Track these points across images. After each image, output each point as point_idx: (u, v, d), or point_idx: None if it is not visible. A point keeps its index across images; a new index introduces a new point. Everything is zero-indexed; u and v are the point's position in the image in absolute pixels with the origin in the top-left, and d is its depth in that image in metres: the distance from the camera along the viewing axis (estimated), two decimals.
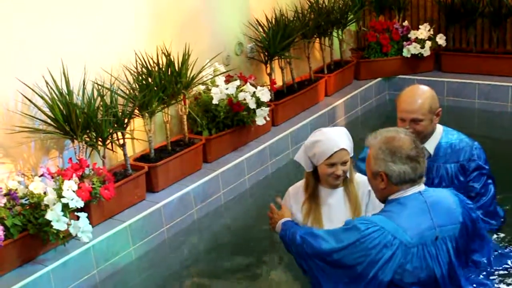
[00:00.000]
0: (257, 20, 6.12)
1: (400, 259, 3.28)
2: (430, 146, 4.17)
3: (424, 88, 4.19)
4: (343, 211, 3.96)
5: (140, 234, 4.49)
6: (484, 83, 6.75)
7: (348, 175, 3.96)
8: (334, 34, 6.90)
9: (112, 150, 4.65)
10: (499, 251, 3.84)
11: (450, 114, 6.68)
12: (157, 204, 4.63)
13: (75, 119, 4.25)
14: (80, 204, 3.98)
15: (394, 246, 3.28)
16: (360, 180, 4.02)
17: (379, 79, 7.24)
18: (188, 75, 4.96)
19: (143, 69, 4.83)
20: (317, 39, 6.68)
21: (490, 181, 4.17)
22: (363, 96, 6.97)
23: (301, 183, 4.18)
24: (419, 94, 4.10)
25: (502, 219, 4.24)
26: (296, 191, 4.18)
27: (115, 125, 4.50)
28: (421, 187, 3.41)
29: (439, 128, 4.22)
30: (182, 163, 4.96)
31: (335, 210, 3.98)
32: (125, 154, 4.65)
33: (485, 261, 3.65)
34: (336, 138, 3.85)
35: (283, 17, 6.15)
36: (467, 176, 4.14)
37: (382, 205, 3.66)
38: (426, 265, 3.32)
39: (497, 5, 6.85)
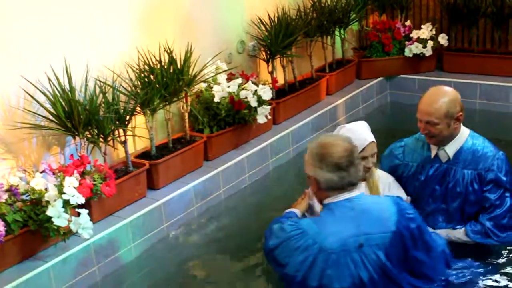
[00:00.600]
0: (260, 18, 6.11)
1: (322, 264, 3.34)
2: (450, 149, 4.07)
3: (447, 91, 4.03)
4: None
5: (140, 231, 4.50)
6: (486, 83, 6.75)
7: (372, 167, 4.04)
8: (336, 33, 6.90)
9: (113, 147, 4.65)
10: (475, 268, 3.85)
11: None
12: (158, 202, 4.64)
13: (77, 116, 4.26)
14: (81, 200, 3.99)
15: (314, 251, 3.34)
16: (382, 174, 4.14)
17: (381, 78, 7.23)
18: (190, 72, 4.96)
19: (145, 66, 4.84)
20: (319, 38, 6.67)
21: (508, 194, 4.04)
22: (365, 96, 6.97)
23: None
24: (439, 97, 3.96)
25: None
26: None
27: (117, 122, 4.51)
28: (352, 194, 3.41)
29: (465, 132, 4.11)
30: (183, 161, 4.97)
31: None
32: (126, 151, 4.66)
33: (440, 276, 3.65)
34: (364, 133, 3.96)
35: (286, 16, 6.15)
36: (482, 185, 4.03)
37: (402, 196, 3.98)
38: (349, 272, 3.34)
39: (499, 5, 6.84)
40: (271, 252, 3.52)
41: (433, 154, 4.15)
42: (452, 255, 3.77)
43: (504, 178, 4.00)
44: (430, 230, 3.85)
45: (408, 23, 7.29)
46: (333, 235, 3.34)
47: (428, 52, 7.04)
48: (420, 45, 7.03)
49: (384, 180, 4.14)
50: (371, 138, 3.96)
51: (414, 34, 7.13)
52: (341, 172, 3.34)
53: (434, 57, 7.20)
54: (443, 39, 7.15)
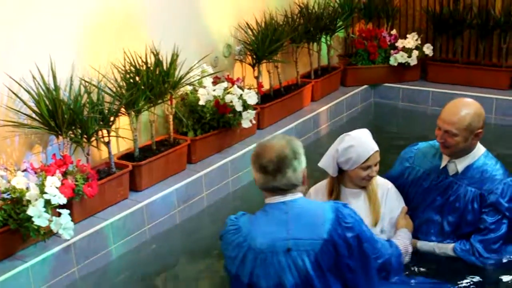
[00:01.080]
0: (247, 23, 6.11)
1: (251, 262, 3.35)
2: (461, 164, 4.00)
3: (472, 103, 3.93)
4: (362, 211, 3.97)
5: (121, 233, 4.48)
6: (469, 94, 6.72)
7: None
8: (323, 39, 6.90)
9: (97, 147, 4.63)
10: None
11: (433, 123, 6.69)
12: (140, 204, 4.62)
13: (61, 115, 4.23)
14: (63, 200, 3.96)
15: (244, 248, 3.35)
16: (381, 181, 4.13)
17: (365, 86, 7.25)
18: (176, 75, 4.94)
19: (131, 67, 4.81)
20: (306, 44, 6.68)
21: (505, 221, 3.93)
22: (349, 103, 6.98)
23: (322, 184, 4.21)
24: (463, 108, 3.86)
25: (504, 261, 4.00)
26: (318, 192, 4.20)
27: (101, 123, 4.48)
28: (287, 197, 3.36)
29: (480, 150, 4.03)
30: (167, 163, 4.95)
31: (355, 208, 3.90)
32: (109, 152, 4.63)
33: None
34: (368, 141, 3.93)
35: (273, 21, 6.16)
36: (482, 207, 3.96)
37: (400, 203, 4.09)
38: (274, 273, 3.32)
39: (485, 18, 6.88)
40: (220, 240, 3.55)
41: (442, 164, 4.09)
42: (401, 268, 3.76)
43: (506, 205, 3.91)
44: (403, 239, 3.92)
45: (394, 32, 7.31)
46: (263, 236, 3.34)
47: (413, 61, 7.07)
48: (406, 54, 7.05)
49: (383, 187, 4.11)
50: (376, 147, 3.93)
51: (400, 43, 7.15)
52: (267, 175, 3.30)
53: (418, 67, 7.23)
54: (428, 49, 7.18)
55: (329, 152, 4.03)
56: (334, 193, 4.09)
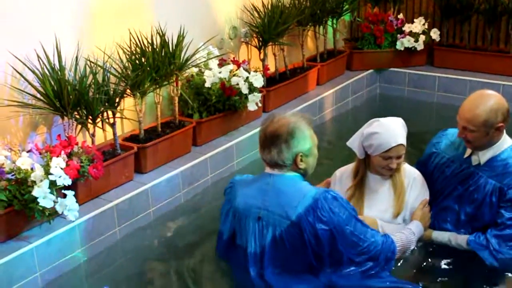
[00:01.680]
0: (253, 5, 6.06)
1: (231, 219, 3.68)
2: (484, 156, 3.92)
3: (490, 98, 3.79)
4: (386, 199, 4.00)
5: (126, 214, 4.45)
6: (476, 80, 6.72)
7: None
8: (329, 23, 6.85)
9: (102, 128, 4.58)
10: None
11: (439, 109, 6.71)
12: (145, 186, 4.59)
13: (66, 96, 4.19)
14: (68, 182, 3.93)
15: (229, 205, 3.70)
16: (408, 169, 4.08)
17: (371, 71, 7.20)
18: (182, 56, 4.90)
19: (137, 48, 4.76)
20: (312, 27, 6.62)
21: None
22: (354, 87, 6.94)
23: (348, 167, 4.19)
24: (480, 104, 3.76)
25: None
26: (343, 174, 4.19)
27: (106, 104, 4.44)
28: (275, 172, 3.57)
29: (507, 142, 3.93)
30: (172, 145, 4.91)
31: (378, 197, 4.03)
32: (114, 133, 4.59)
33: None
34: (395, 132, 3.85)
35: (280, 3, 6.10)
36: (500, 201, 3.87)
37: (425, 193, 4.05)
38: (244, 234, 3.60)
39: (493, 3, 6.82)
40: None
41: (466, 154, 4.03)
42: (390, 266, 3.70)
43: None
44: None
45: (400, 16, 7.25)
46: (242, 197, 3.64)
47: (419, 46, 7.02)
48: (412, 39, 7.00)
49: (410, 175, 4.06)
50: (400, 140, 3.84)
51: (406, 28, 7.10)
52: (260, 145, 3.61)
53: (425, 52, 7.18)
54: (435, 34, 7.12)
55: (357, 134, 4.00)
56: (358, 175, 4.07)
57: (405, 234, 3.83)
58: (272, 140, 3.53)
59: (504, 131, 3.93)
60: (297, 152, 3.53)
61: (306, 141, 3.56)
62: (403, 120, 3.98)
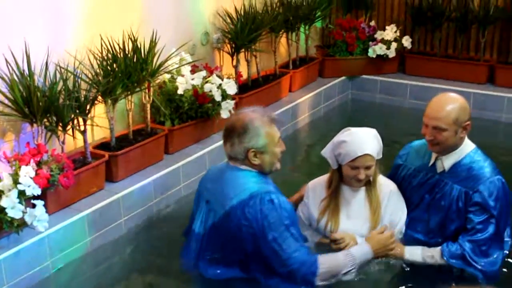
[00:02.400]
0: (225, 11, 5.97)
1: (196, 196, 4.03)
2: (448, 161, 3.93)
3: (456, 97, 3.87)
4: (362, 213, 3.98)
5: (97, 225, 4.34)
6: (447, 87, 6.70)
7: (371, 178, 3.95)
8: (301, 29, 6.79)
9: (72, 136, 4.46)
10: None
11: (411, 116, 6.68)
12: (116, 195, 4.49)
13: (36, 102, 4.07)
14: (37, 191, 3.82)
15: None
16: (383, 182, 4.05)
17: (343, 78, 7.16)
18: (154, 62, 4.80)
19: (108, 54, 4.65)
20: (284, 33, 6.56)
21: (493, 221, 3.79)
22: (327, 94, 6.90)
23: (321, 180, 4.16)
24: (448, 102, 3.82)
25: (495, 268, 3.84)
26: (316, 186, 4.16)
27: (77, 111, 4.32)
28: (230, 162, 3.80)
29: (468, 146, 3.95)
30: (144, 153, 4.81)
31: (353, 210, 4.00)
32: (85, 141, 4.48)
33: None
34: (362, 142, 3.83)
35: (252, 9, 6.03)
36: (467, 205, 3.86)
37: (402, 207, 4.04)
38: (196, 213, 3.92)
39: (463, 11, 6.84)
40: None
41: (431, 162, 4.04)
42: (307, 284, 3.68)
43: (492, 203, 3.79)
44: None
45: (372, 23, 7.22)
46: (205, 179, 4.00)
47: (391, 53, 7.00)
48: (384, 46, 6.97)
49: (385, 189, 4.04)
50: (367, 150, 3.81)
51: (378, 35, 7.08)
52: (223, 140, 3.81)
53: (397, 59, 7.17)
54: (406, 42, 7.11)
55: (330, 143, 3.99)
56: (332, 186, 4.04)
57: (339, 257, 3.77)
58: (227, 133, 3.75)
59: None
60: (248, 148, 3.67)
61: (260, 138, 3.66)
62: (376, 131, 3.97)
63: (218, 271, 3.79)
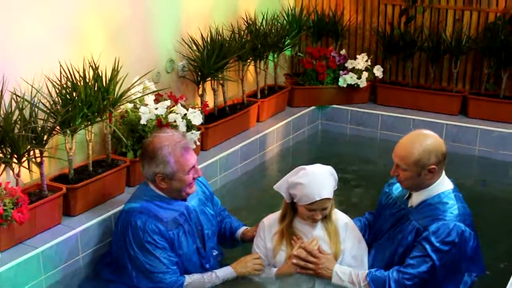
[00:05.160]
0: (191, 38, 5.80)
1: None
2: (416, 198, 3.87)
3: (428, 138, 3.78)
4: (322, 245, 3.90)
5: (53, 262, 4.13)
6: (419, 118, 6.61)
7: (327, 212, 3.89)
8: (270, 57, 6.63)
9: (28, 168, 4.24)
10: None
11: (382, 148, 6.55)
12: (74, 230, 4.27)
13: None
14: None
15: None
16: (339, 216, 3.99)
17: (313, 107, 7.00)
18: (116, 91, 4.60)
19: (68, 82, 4.45)
20: (252, 62, 6.40)
21: (429, 262, 3.67)
22: (296, 124, 6.73)
23: (276, 214, 4.07)
24: (415, 142, 3.75)
25: None
26: (271, 221, 4.07)
27: (33, 142, 4.11)
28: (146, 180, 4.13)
29: (444, 186, 3.85)
30: (104, 186, 4.61)
31: None
32: (42, 174, 4.26)
33: None
34: (319, 184, 3.74)
35: (219, 36, 5.86)
36: (414, 241, 3.78)
37: (360, 239, 4.02)
38: None
39: (436, 41, 6.73)
40: None
41: (406, 195, 3.99)
42: None
43: (436, 245, 3.65)
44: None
45: (343, 52, 7.09)
46: None
47: (362, 83, 6.85)
48: (355, 76, 6.83)
49: (341, 222, 3.98)
50: (325, 194, 3.73)
51: (349, 64, 6.93)
52: None
53: (368, 89, 7.03)
54: (378, 71, 6.97)
55: (284, 179, 3.90)
56: (286, 219, 3.95)
57: (204, 277, 4.05)
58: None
59: (444, 174, 3.87)
60: (156, 172, 3.95)
61: (168, 166, 3.90)
62: (331, 167, 3.89)
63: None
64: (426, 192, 3.84)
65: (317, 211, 3.79)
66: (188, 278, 3.99)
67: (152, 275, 3.89)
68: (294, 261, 3.87)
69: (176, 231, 4.00)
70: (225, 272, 4.08)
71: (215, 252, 4.29)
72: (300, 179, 3.75)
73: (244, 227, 4.48)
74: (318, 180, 3.75)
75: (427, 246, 3.67)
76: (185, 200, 4.11)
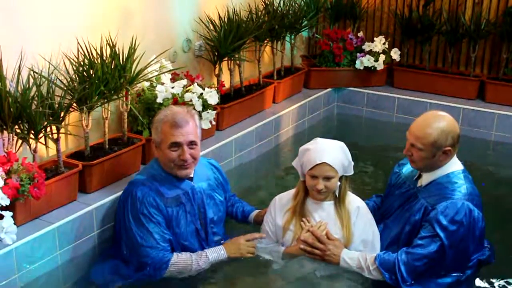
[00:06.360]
0: (208, 17, 5.80)
1: None
2: (426, 178, 3.89)
3: (444, 119, 3.79)
4: (332, 228, 3.91)
5: (68, 238, 4.15)
6: (436, 102, 6.59)
7: (338, 193, 3.91)
8: (287, 39, 6.63)
9: (45, 144, 4.27)
10: None
11: (398, 131, 6.52)
12: (89, 207, 4.29)
13: (7, 108, 3.89)
14: (6, 202, 3.63)
15: None
16: (351, 198, 3.99)
17: (329, 89, 7.00)
18: (133, 69, 4.61)
19: (85, 59, 4.46)
20: (269, 43, 6.39)
21: (438, 242, 3.66)
22: (312, 106, 6.73)
23: (289, 192, 4.11)
24: (432, 123, 3.75)
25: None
26: (283, 198, 4.13)
27: (50, 118, 4.13)
28: None
29: (454, 166, 3.85)
30: (119, 164, 4.63)
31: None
32: (58, 150, 4.28)
33: None
34: (323, 150, 3.80)
35: (236, 16, 5.86)
36: (422, 220, 3.77)
37: (371, 223, 3.99)
38: None
39: (454, 25, 6.69)
40: None
41: (416, 176, 4.00)
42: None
43: (444, 223, 3.65)
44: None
45: (360, 34, 7.06)
46: None
47: (379, 66, 6.83)
48: (372, 58, 6.81)
49: (353, 205, 3.98)
50: (325, 159, 3.76)
51: (366, 47, 6.91)
52: None
53: (384, 72, 7.02)
54: (395, 54, 6.95)
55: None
56: (298, 198, 4.00)
57: (192, 257, 4.01)
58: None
59: (455, 156, 3.87)
60: (153, 137, 4.16)
61: (156, 132, 4.07)
62: (344, 144, 3.94)
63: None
64: (435, 173, 3.85)
65: (319, 179, 3.79)
66: (175, 257, 3.98)
67: (140, 248, 3.92)
68: (301, 246, 3.89)
69: (176, 209, 4.04)
70: (216, 254, 4.07)
71: (217, 238, 4.27)
72: (309, 145, 3.87)
73: (257, 210, 4.50)
74: (324, 147, 3.83)
75: (436, 225, 3.67)
76: (190, 180, 4.15)
